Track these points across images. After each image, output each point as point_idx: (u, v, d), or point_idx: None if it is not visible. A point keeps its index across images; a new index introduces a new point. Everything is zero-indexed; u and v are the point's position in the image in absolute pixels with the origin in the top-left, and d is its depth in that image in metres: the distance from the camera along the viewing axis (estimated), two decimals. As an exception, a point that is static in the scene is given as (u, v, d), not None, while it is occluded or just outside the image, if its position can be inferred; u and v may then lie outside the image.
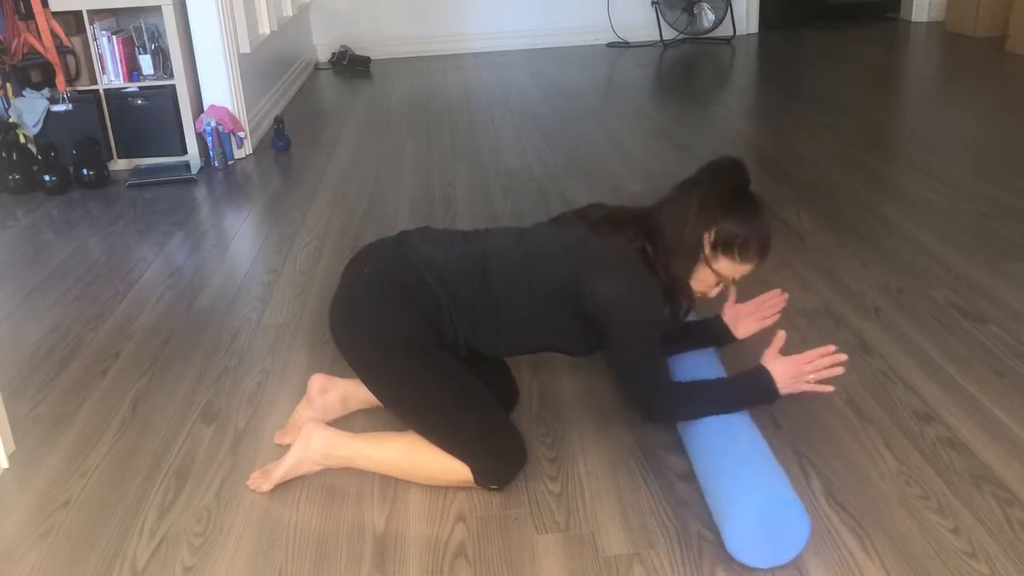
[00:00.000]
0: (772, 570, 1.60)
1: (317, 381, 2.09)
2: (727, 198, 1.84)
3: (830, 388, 1.86)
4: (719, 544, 1.66)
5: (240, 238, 3.43)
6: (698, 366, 2.02)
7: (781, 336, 1.87)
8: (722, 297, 2.02)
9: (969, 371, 2.20)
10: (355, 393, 2.08)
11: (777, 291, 2.09)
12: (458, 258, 1.89)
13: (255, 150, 4.59)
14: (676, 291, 1.88)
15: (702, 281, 1.89)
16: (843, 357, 1.83)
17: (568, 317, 1.87)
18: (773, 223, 1.95)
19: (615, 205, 1.99)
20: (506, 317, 1.87)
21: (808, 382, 1.83)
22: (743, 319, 2.09)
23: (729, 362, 2.09)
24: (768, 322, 2.08)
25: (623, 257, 1.84)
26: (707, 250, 1.84)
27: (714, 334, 2.11)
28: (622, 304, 1.81)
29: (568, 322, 1.88)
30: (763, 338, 1.97)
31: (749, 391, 1.85)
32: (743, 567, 1.61)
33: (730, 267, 1.85)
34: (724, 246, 1.83)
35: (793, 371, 1.82)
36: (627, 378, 1.87)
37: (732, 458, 1.69)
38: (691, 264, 1.85)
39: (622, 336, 1.82)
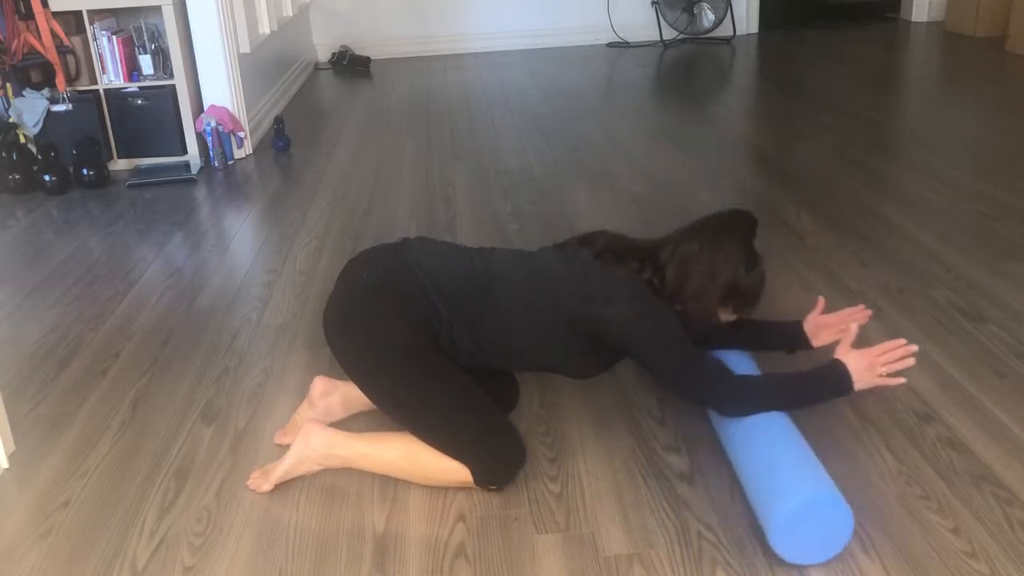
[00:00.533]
0: (772, 570, 1.60)
1: (319, 384, 2.09)
2: (737, 254, 1.88)
3: (902, 380, 1.87)
4: (719, 544, 1.67)
5: (240, 238, 3.43)
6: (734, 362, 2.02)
7: (853, 330, 1.89)
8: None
9: (969, 371, 2.20)
10: (357, 396, 2.07)
11: (861, 306, 2.12)
12: (459, 272, 1.90)
13: (255, 150, 4.59)
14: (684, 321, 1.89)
15: (693, 312, 1.90)
16: (914, 348, 1.85)
17: (567, 342, 1.88)
18: (760, 217, 1.97)
19: (618, 234, 2.01)
20: (505, 334, 1.87)
21: (880, 375, 1.85)
22: (824, 330, 2.10)
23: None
24: (853, 334, 2.07)
25: (627, 284, 1.85)
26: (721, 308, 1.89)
27: (790, 338, 2.12)
28: (636, 321, 1.82)
29: (567, 346, 1.89)
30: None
31: (825, 384, 1.86)
32: (743, 568, 1.61)
33: (724, 314, 1.92)
34: (724, 300, 1.88)
35: (867, 363, 1.84)
36: (681, 386, 1.88)
37: (793, 454, 1.68)
38: (694, 309, 1.88)
39: (652, 355, 1.83)
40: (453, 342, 1.85)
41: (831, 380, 1.85)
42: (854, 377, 1.84)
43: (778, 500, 1.59)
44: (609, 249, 1.92)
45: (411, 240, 2.00)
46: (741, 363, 2.03)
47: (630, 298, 1.83)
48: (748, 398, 1.83)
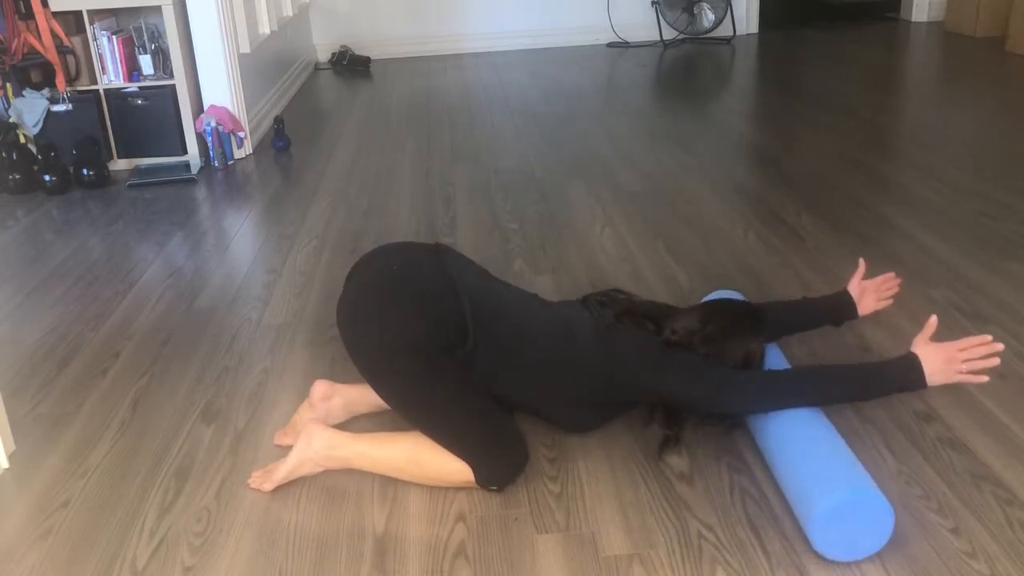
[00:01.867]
0: (772, 570, 1.60)
1: (320, 387, 2.08)
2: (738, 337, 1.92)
3: (985, 378, 1.78)
4: (719, 544, 1.67)
5: (240, 238, 3.43)
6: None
7: (933, 322, 1.81)
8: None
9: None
10: (359, 399, 2.08)
11: (892, 274, 2.15)
12: (493, 296, 1.93)
13: (255, 150, 4.59)
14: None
15: None
16: (999, 347, 1.76)
17: (579, 397, 1.91)
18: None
19: (635, 298, 2.06)
20: (521, 371, 1.88)
21: (960, 372, 1.77)
22: (867, 294, 2.12)
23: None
24: (883, 304, 2.12)
25: (649, 346, 1.89)
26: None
27: (838, 308, 2.13)
28: (664, 375, 1.86)
29: (575, 401, 1.92)
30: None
31: (897, 377, 1.78)
32: (743, 567, 1.61)
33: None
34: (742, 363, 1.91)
35: (945, 357, 1.76)
36: (725, 404, 1.88)
37: (841, 449, 1.68)
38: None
39: (684, 393, 1.87)
40: (469, 357, 1.83)
41: (904, 375, 1.77)
42: (928, 372, 1.75)
43: (840, 486, 1.58)
44: (627, 311, 1.96)
45: (444, 247, 2.00)
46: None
47: (658, 362, 1.86)
48: (756, 395, 1.83)
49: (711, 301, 2.11)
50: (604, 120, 4.84)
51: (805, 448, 1.71)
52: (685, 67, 6.40)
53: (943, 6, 7.05)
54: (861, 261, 2.17)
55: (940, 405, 2.07)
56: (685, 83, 6.01)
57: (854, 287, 2.15)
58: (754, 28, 7.32)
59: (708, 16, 6.99)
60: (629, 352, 1.88)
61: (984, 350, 1.77)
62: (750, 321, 1.97)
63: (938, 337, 1.94)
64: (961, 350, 1.77)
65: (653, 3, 7.02)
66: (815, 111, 4.85)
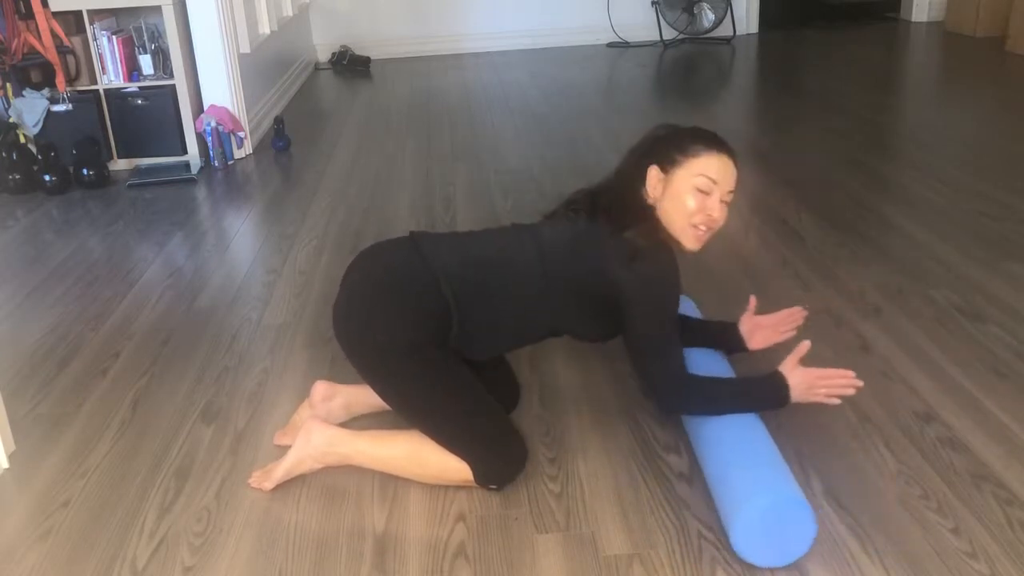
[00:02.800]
0: (773, 570, 1.60)
1: (320, 388, 2.08)
2: (649, 138, 1.94)
3: (837, 401, 1.86)
4: (719, 544, 1.67)
5: (240, 238, 3.43)
6: (707, 361, 2.03)
7: (805, 346, 1.85)
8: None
9: (969, 371, 2.20)
10: (359, 399, 2.08)
11: (798, 308, 2.11)
12: (469, 257, 1.90)
13: (255, 150, 4.59)
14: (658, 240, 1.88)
15: (682, 205, 1.85)
16: (859, 383, 1.84)
17: (587, 307, 1.89)
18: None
19: (594, 186, 2.02)
20: (521, 310, 1.88)
21: (817, 395, 1.84)
22: (760, 331, 2.10)
23: (740, 362, 2.09)
24: (784, 337, 2.09)
25: (628, 254, 1.84)
26: (661, 183, 1.87)
27: (727, 340, 2.12)
28: (639, 283, 1.81)
29: (587, 312, 1.91)
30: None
31: (764, 394, 1.85)
32: (743, 567, 1.61)
33: (686, 171, 1.85)
34: (667, 162, 1.87)
35: (809, 382, 1.83)
36: (646, 363, 1.86)
37: (742, 456, 1.69)
38: (653, 217, 1.88)
39: (640, 317, 1.82)
40: (465, 330, 1.84)
41: (771, 393, 1.84)
42: (792, 393, 1.83)
43: (730, 519, 1.60)
44: (597, 205, 1.93)
45: (418, 233, 1.99)
46: (718, 359, 2.06)
47: (640, 258, 1.82)
48: (691, 399, 1.85)
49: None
50: (604, 120, 4.84)
51: (717, 459, 1.73)
52: (685, 67, 6.40)
53: (943, 6, 7.05)
54: (752, 299, 2.11)
55: (940, 405, 2.07)
56: (685, 83, 6.01)
57: (744, 323, 2.11)
58: (754, 28, 7.32)
59: (708, 16, 6.99)
60: (608, 254, 1.85)
61: (843, 381, 1.84)
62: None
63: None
64: (824, 379, 1.84)
65: (653, 3, 7.02)
66: (815, 111, 4.85)
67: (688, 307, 2.31)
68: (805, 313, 2.10)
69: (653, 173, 1.88)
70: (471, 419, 1.83)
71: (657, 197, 1.88)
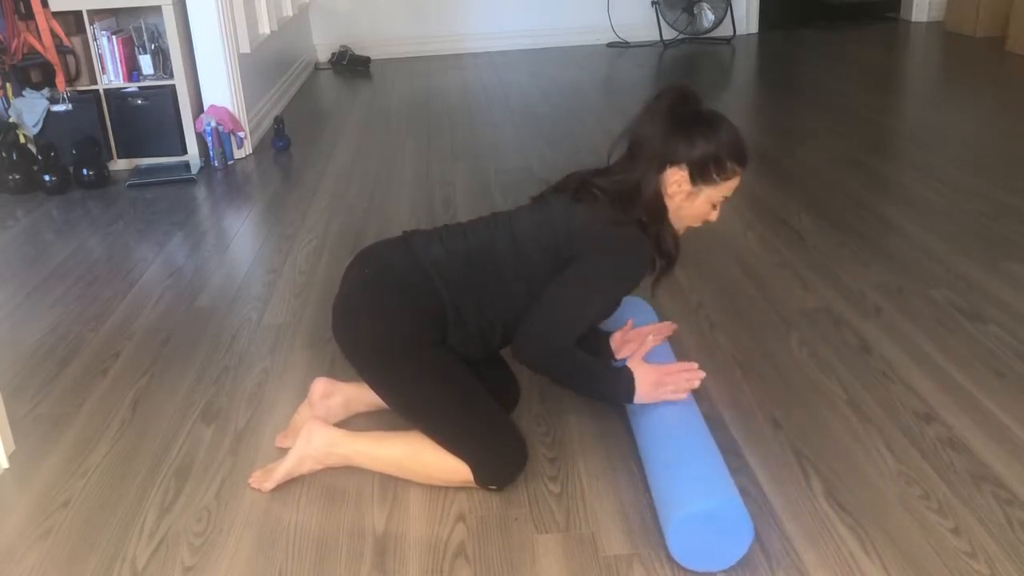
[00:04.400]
0: (772, 570, 1.60)
1: (319, 385, 2.08)
2: (681, 129, 1.83)
3: (683, 396, 1.86)
4: (719, 544, 1.67)
5: (240, 238, 3.43)
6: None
7: (649, 343, 1.93)
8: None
9: (969, 371, 2.20)
10: (358, 396, 2.08)
11: (668, 323, 2.14)
12: (458, 251, 1.90)
13: (255, 150, 4.59)
14: (662, 237, 1.90)
15: (697, 213, 1.90)
16: (701, 374, 1.85)
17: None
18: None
19: (589, 169, 1.99)
20: (510, 301, 1.88)
21: (664, 392, 1.84)
22: (627, 345, 2.08)
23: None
24: (648, 347, 2.01)
25: (608, 222, 1.86)
26: (687, 187, 1.85)
27: (596, 349, 2.07)
28: (599, 247, 1.83)
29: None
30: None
31: (611, 386, 1.88)
32: (743, 567, 1.61)
33: (716, 190, 1.87)
34: (701, 175, 1.84)
35: (654, 379, 1.85)
36: (546, 310, 1.84)
37: (663, 466, 1.71)
38: (663, 210, 1.87)
39: (579, 269, 1.83)
40: (463, 326, 1.85)
41: (618, 387, 1.86)
42: (639, 389, 1.84)
43: (669, 513, 1.61)
44: (582, 187, 1.92)
45: (411, 232, 1.99)
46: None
47: (613, 241, 1.84)
48: (552, 363, 1.87)
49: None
50: (604, 120, 4.84)
51: (657, 460, 1.74)
52: (685, 67, 6.40)
53: (943, 6, 7.05)
54: (629, 320, 2.10)
55: (940, 405, 2.07)
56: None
57: (616, 339, 2.09)
58: (754, 28, 7.32)
59: (708, 16, 6.98)
60: (587, 234, 1.85)
61: (688, 375, 1.85)
62: (667, 98, 1.86)
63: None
64: (668, 374, 1.85)
65: (653, 3, 7.02)
66: (815, 111, 4.85)
67: (644, 309, 2.29)
68: (674, 327, 2.14)
69: (679, 177, 1.85)
70: (470, 419, 1.83)
71: (673, 196, 1.87)
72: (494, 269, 1.88)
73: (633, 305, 2.25)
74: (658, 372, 1.86)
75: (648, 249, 1.88)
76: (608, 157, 1.96)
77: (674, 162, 1.84)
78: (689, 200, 1.88)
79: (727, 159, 1.84)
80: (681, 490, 1.62)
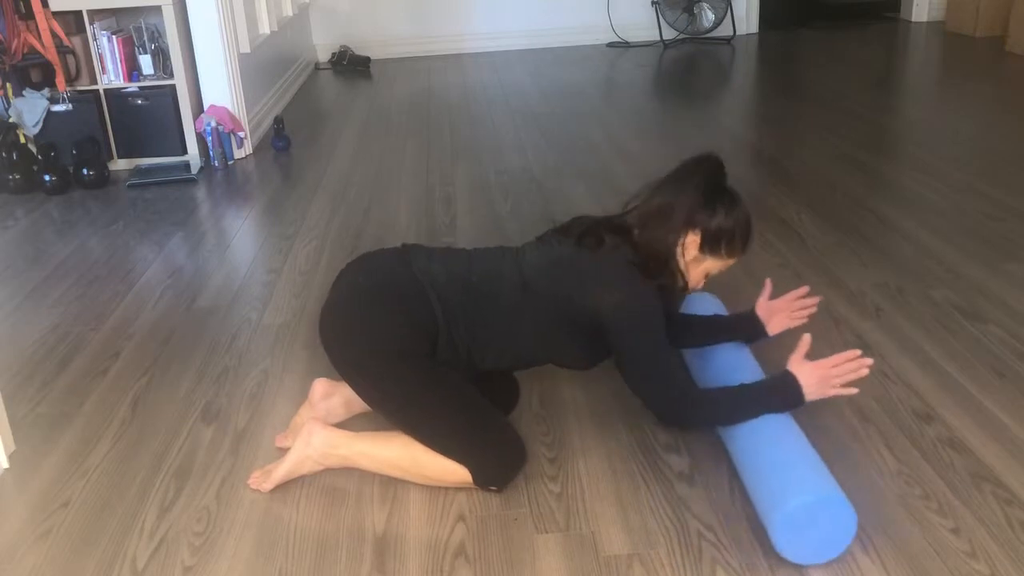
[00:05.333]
0: (772, 570, 1.60)
1: (320, 386, 2.08)
2: (706, 198, 1.85)
3: (854, 390, 1.83)
4: (719, 544, 1.67)
5: (240, 238, 3.43)
6: (733, 363, 2.03)
7: (806, 340, 1.84)
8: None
9: (969, 371, 2.20)
10: (358, 397, 2.07)
11: (806, 288, 2.12)
12: (457, 274, 1.90)
13: (255, 150, 4.59)
14: (669, 290, 1.90)
15: (692, 278, 1.92)
16: (868, 361, 1.80)
17: (566, 332, 1.88)
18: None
19: (597, 216, 1.99)
20: (506, 332, 1.88)
21: (834, 386, 1.81)
22: (776, 315, 2.10)
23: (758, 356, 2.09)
24: (797, 323, 2.10)
25: (613, 268, 1.85)
26: (694, 251, 1.87)
27: (746, 328, 2.12)
28: (621, 311, 1.81)
29: (566, 337, 1.90)
30: (791, 334, 1.97)
31: (776, 397, 1.82)
32: (743, 567, 1.61)
33: (717, 263, 1.90)
34: (711, 246, 1.86)
35: (820, 375, 1.80)
36: (641, 385, 1.86)
37: (788, 454, 1.68)
38: (676, 268, 1.88)
39: (628, 344, 1.83)
40: (453, 345, 1.85)
41: (784, 395, 1.81)
42: (806, 390, 1.80)
43: (783, 498, 1.59)
44: (588, 232, 1.92)
45: (411, 246, 2.00)
46: (744, 357, 2.05)
47: (617, 283, 1.83)
48: (696, 411, 1.85)
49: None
50: (604, 120, 4.84)
51: (770, 452, 1.71)
52: (685, 67, 6.40)
53: (943, 6, 7.05)
54: (767, 282, 2.13)
55: (940, 405, 2.07)
56: (685, 83, 6.01)
57: (761, 308, 2.12)
58: (754, 28, 7.32)
59: (708, 16, 6.99)
60: (589, 279, 1.85)
61: (854, 364, 1.81)
62: (703, 169, 1.88)
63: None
64: (833, 367, 1.81)
65: (653, 3, 7.02)
66: (815, 111, 4.85)
67: (715, 305, 2.30)
68: (817, 299, 2.12)
69: (694, 241, 1.87)
70: (467, 424, 1.83)
71: (684, 257, 1.89)
72: (495, 300, 1.88)
73: (703, 300, 2.28)
74: (822, 367, 1.81)
75: (648, 288, 1.87)
76: (624, 207, 1.96)
77: (694, 227, 1.86)
78: (692, 265, 1.90)
79: (739, 238, 1.88)
80: (819, 479, 1.60)
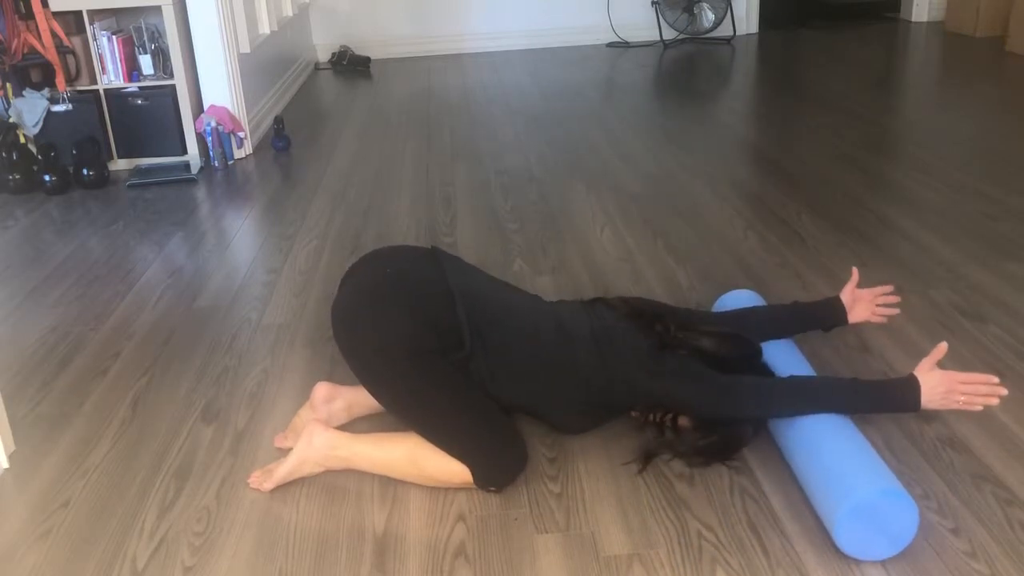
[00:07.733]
0: (772, 570, 1.60)
1: (322, 390, 2.08)
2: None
3: (979, 407, 1.79)
4: (719, 544, 1.67)
5: (240, 238, 3.43)
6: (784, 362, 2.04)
7: (942, 348, 1.81)
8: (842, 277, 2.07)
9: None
10: (360, 401, 2.07)
11: (890, 287, 2.17)
12: (495, 300, 1.93)
13: (255, 150, 4.59)
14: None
15: None
16: (1003, 391, 1.77)
17: (574, 397, 1.90)
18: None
19: (634, 302, 2.04)
20: (519, 373, 1.88)
21: (957, 401, 1.78)
22: (859, 303, 2.13)
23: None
24: (876, 319, 2.13)
25: (643, 348, 1.89)
26: None
27: (828, 315, 2.14)
28: (666, 383, 1.87)
29: (571, 401, 1.91)
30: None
31: (893, 397, 1.80)
32: (743, 567, 1.61)
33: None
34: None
35: (947, 387, 1.77)
36: (722, 414, 1.88)
37: (859, 451, 1.68)
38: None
39: (685, 398, 1.88)
40: (467, 360, 1.83)
41: (902, 397, 1.79)
42: (926, 398, 1.77)
43: (864, 484, 1.58)
44: (632, 314, 1.95)
45: (439, 250, 2.01)
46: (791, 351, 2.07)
47: (656, 364, 1.87)
48: (792, 402, 1.84)
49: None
50: (604, 120, 4.84)
51: (837, 446, 1.70)
52: (685, 67, 6.40)
53: (943, 6, 7.05)
54: (854, 270, 2.16)
55: (940, 405, 2.06)
56: (685, 83, 6.01)
57: (847, 295, 2.15)
58: (754, 28, 7.32)
59: (708, 16, 6.99)
60: (626, 352, 1.88)
61: (986, 389, 1.78)
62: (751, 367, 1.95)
63: (941, 339, 1.95)
64: (963, 383, 1.78)
65: (653, 3, 7.02)
66: (815, 111, 4.85)
67: (753, 299, 2.30)
68: (898, 299, 2.16)
69: None
70: (470, 423, 1.82)
71: None
72: (523, 333, 1.89)
73: (739, 295, 2.30)
74: (952, 380, 1.77)
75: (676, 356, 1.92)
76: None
77: None
78: None
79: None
80: (884, 475, 1.60)
